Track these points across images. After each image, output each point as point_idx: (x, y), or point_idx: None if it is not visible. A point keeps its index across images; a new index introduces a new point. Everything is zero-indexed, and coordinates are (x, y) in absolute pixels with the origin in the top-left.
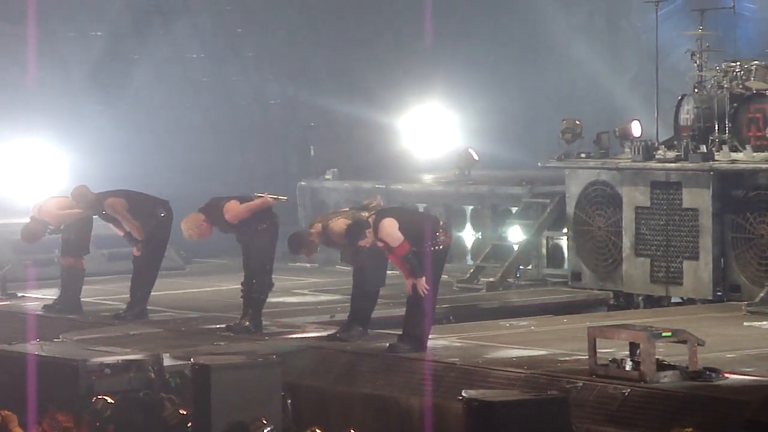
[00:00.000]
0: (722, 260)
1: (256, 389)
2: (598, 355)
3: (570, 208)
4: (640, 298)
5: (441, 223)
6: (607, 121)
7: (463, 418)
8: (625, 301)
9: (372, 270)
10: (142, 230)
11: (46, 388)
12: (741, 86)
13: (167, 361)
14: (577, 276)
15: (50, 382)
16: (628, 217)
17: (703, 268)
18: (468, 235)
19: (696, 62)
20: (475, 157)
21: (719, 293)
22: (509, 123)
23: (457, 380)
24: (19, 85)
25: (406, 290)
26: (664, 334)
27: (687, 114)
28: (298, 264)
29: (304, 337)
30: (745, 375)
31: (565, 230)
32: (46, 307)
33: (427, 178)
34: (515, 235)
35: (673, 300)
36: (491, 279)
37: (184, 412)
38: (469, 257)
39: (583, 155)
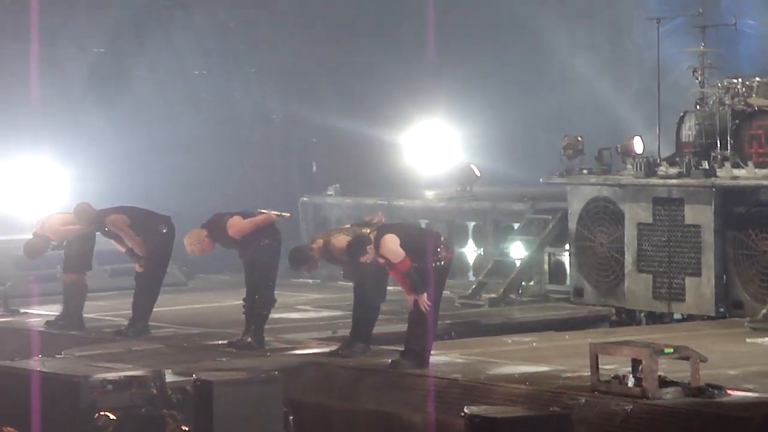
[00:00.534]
0: (724, 277)
1: (258, 405)
2: (600, 371)
3: (572, 225)
4: (643, 314)
5: (442, 238)
6: (609, 137)
7: None
8: (627, 318)
9: (373, 286)
10: (144, 246)
11: (48, 405)
12: (743, 103)
13: (169, 377)
14: (579, 292)
15: (52, 398)
16: (630, 233)
17: (706, 284)
18: (470, 251)
19: (698, 79)
20: (477, 173)
21: (721, 310)
22: (511, 139)
23: (460, 396)
24: (22, 102)
25: (408, 306)
26: (666, 350)
27: (689, 130)
28: (300, 280)
29: (306, 353)
30: (747, 392)
31: (567, 246)
32: (48, 323)
33: (429, 194)
34: (517, 251)
35: (675, 316)
36: (493, 295)
37: (186, 429)
38: (471, 273)
39: (585, 171)
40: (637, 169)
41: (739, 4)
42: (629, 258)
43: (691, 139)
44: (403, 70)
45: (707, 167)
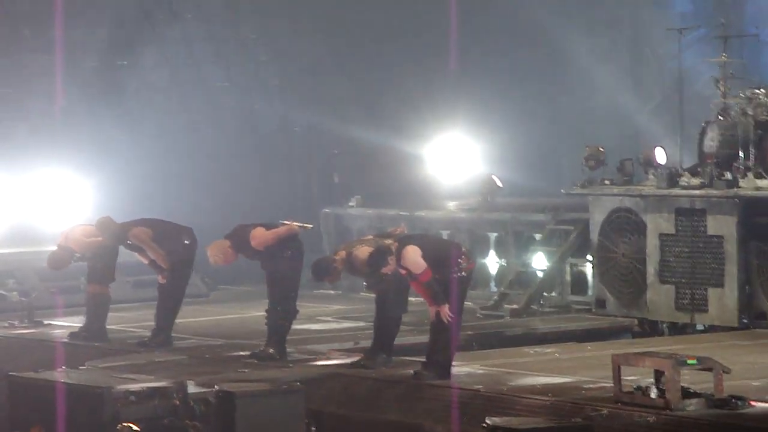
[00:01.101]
0: (747, 287)
1: (280, 416)
2: (623, 382)
3: (594, 235)
4: (665, 325)
5: (464, 249)
6: (631, 148)
7: None
8: (649, 329)
9: (395, 297)
10: (167, 258)
11: (71, 416)
12: (765, 113)
13: (192, 389)
14: (601, 303)
15: (76, 409)
16: (652, 244)
17: (728, 295)
18: (492, 262)
19: (720, 89)
20: (499, 183)
21: (745, 320)
22: (533, 150)
23: (482, 407)
24: (45, 114)
25: (430, 317)
26: (689, 361)
27: (711, 141)
28: (321, 291)
29: (328, 365)
30: None
31: (588, 257)
32: (71, 335)
33: (451, 205)
34: (539, 262)
35: (698, 327)
36: (515, 306)
37: None
38: (492, 284)
39: (606, 182)
40: (659, 180)
41: (762, 15)
42: (651, 269)
43: (713, 150)
44: (425, 81)
45: (730, 178)
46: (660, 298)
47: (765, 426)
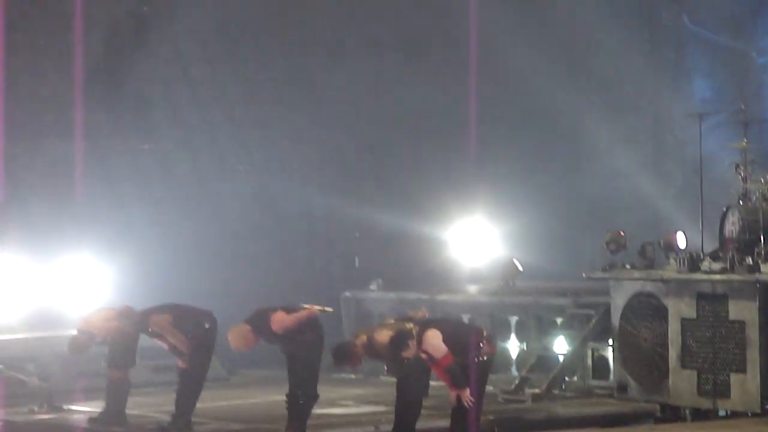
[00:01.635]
0: None
1: None
2: None
3: (615, 320)
4: (687, 410)
5: (485, 333)
6: (652, 232)
7: None
8: (672, 414)
9: (416, 381)
10: (187, 343)
11: None
12: None
13: None
14: (623, 388)
15: None
16: (674, 328)
17: (751, 380)
18: (513, 346)
19: (740, 174)
20: (520, 267)
21: (767, 406)
22: (554, 233)
23: None
24: (68, 200)
25: (451, 401)
26: None
27: (732, 226)
28: (342, 375)
29: None
30: None
31: (610, 341)
32: (91, 420)
33: (472, 288)
34: (560, 346)
35: (720, 413)
36: (536, 390)
37: None
38: (514, 368)
39: (628, 266)
40: (680, 264)
41: None
42: (673, 353)
43: (734, 235)
44: (445, 165)
45: (751, 263)
46: (682, 383)
47: None
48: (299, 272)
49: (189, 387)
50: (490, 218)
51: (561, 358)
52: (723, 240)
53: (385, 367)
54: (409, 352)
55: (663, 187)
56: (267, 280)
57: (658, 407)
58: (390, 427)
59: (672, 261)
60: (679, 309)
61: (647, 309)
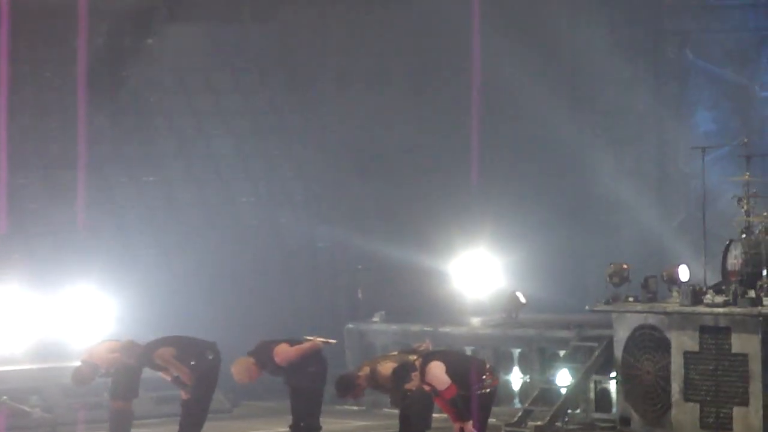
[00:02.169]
0: None
1: None
2: None
3: (618, 352)
4: None
5: (488, 366)
6: (655, 265)
7: None
8: None
9: (418, 413)
10: (191, 375)
11: None
12: None
13: None
14: (626, 420)
15: None
16: (676, 361)
17: (753, 414)
18: (516, 378)
19: (743, 208)
20: (523, 300)
21: None
22: (556, 266)
23: None
24: (72, 231)
25: None
26: None
27: (735, 259)
28: (345, 407)
29: None
30: None
31: (613, 374)
32: None
33: (475, 320)
34: (563, 378)
35: None
36: (539, 423)
37: None
38: (516, 400)
39: (630, 299)
40: (683, 297)
41: None
42: (676, 386)
43: (737, 268)
44: (448, 197)
45: (754, 296)
46: (685, 416)
47: None
48: (303, 304)
49: (192, 418)
50: (493, 250)
51: (564, 391)
52: (726, 273)
53: (389, 399)
54: (413, 384)
55: (666, 220)
56: (270, 311)
57: None
58: None
59: (675, 294)
60: (682, 342)
61: (650, 342)
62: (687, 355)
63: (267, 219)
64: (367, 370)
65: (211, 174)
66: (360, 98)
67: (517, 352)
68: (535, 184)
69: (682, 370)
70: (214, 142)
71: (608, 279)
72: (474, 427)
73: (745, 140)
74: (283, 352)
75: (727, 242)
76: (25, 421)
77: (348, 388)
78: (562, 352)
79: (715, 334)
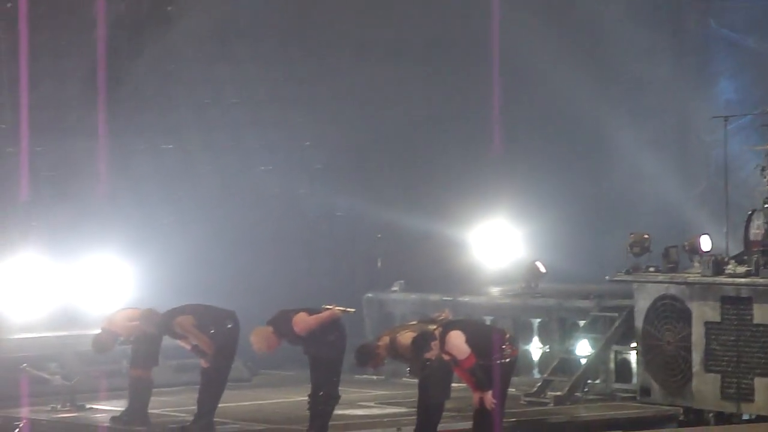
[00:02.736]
0: None
1: None
2: None
3: (638, 323)
4: (711, 414)
5: (507, 335)
6: (676, 235)
7: None
8: (695, 418)
9: (438, 382)
10: (210, 344)
11: None
12: None
13: None
14: (646, 391)
15: None
16: (697, 332)
17: None
18: (535, 349)
19: (765, 177)
20: (543, 269)
21: None
22: (577, 236)
23: None
24: (91, 199)
25: (473, 403)
26: None
27: (757, 229)
28: (364, 376)
29: None
30: None
31: (633, 344)
32: (113, 419)
33: (495, 290)
34: (583, 348)
35: (744, 417)
36: (559, 393)
37: None
38: (536, 371)
39: (651, 269)
40: (704, 268)
41: None
42: (697, 357)
43: (759, 238)
44: (469, 167)
45: None
46: (706, 386)
47: None
48: (322, 273)
49: (211, 387)
50: (513, 220)
51: (583, 361)
52: (748, 243)
53: (408, 369)
54: (432, 354)
55: (687, 190)
56: (289, 280)
57: (681, 411)
58: (412, 428)
59: (696, 264)
60: (703, 312)
61: (671, 312)
62: (708, 325)
63: (286, 188)
64: (386, 339)
65: (229, 142)
66: (379, 67)
67: (536, 322)
68: (554, 154)
69: (703, 341)
70: (233, 111)
71: (629, 249)
72: (493, 396)
73: (767, 109)
74: (302, 321)
75: (750, 212)
76: (44, 389)
77: (368, 357)
78: (582, 322)
79: (736, 304)
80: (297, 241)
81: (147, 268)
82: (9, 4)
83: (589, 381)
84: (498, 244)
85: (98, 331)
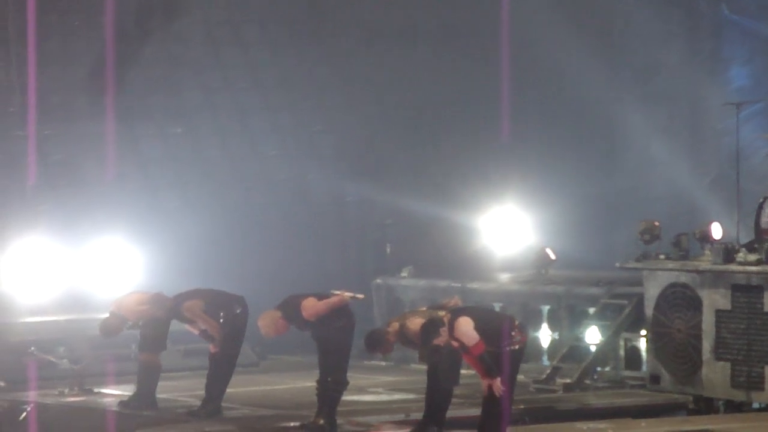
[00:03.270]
0: None
1: None
2: None
3: (648, 310)
4: (721, 402)
5: (517, 322)
6: (687, 222)
7: None
8: (705, 406)
9: (447, 369)
10: (219, 328)
11: None
12: None
13: None
14: (655, 379)
15: None
16: (708, 320)
17: None
18: (544, 335)
19: None
20: (552, 256)
21: None
22: (587, 223)
23: None
24: (99, 183)
25: (482, 390)
26: None
27: None
28: (372, 362)
29: None
30: None
31: (643, 332)
32: (121, 403)
33: (504, 277)
34: (592, 336)
35: (754, 405)
36: (568, 380)
37: None
38: (545, 358)
39: (662, 257)
40: (715, 256)
41: None
42: (707, 345)
43: None
44: (478, 152)
45: None
46: (716, 375)
47: None
48: (330, 258)
49: (219, 372)
50: (523, 206)
51: (593, 348)
52: (759, 231)
53: (417, 355)
54: (441, 340)
55: (698, 177)
56: (298, 265)
57: (690, 399)
58: (420, 415)
59: (707, 252)
60: (714, 300)
61: (681, 300)
62: (719, 313)
63: (295, 173)
64: (395, 326)
65: (238, 127)
66: (389, 51)
67: (546, 308)
68: (565, 140)
69: (714, 329)
70: (242, 95)
71: (639, 236)
72: (502, 383)
73: None
74: (311, 306)
75: (761, 200)
76: (52, 372)
77: (377, 343)
78: (591, 310)
79: (747, 292)
80: (306, 227)
81: (155, 252)
82: None
83: (598, 368)
84: (508, 230)
85: (106, 315)
